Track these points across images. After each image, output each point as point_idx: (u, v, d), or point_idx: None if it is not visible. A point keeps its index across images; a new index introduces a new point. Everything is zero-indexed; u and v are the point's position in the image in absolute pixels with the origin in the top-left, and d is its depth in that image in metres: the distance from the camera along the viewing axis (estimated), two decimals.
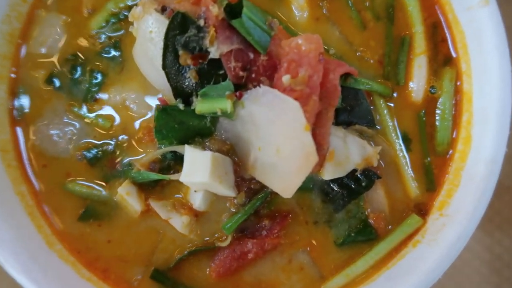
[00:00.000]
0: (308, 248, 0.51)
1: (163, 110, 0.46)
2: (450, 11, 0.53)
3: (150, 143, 0.52)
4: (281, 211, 0.51)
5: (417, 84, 0.54)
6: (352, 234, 0.51)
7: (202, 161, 0.45)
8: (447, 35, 0.54)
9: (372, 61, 0.54)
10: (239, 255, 0.50)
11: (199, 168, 0.45)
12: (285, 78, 0.43)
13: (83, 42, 0.54)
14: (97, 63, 0.54)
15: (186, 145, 0.47)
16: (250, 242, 0.50)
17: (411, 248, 0.50)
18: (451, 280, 0.70)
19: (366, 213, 0.52)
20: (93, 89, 0.53)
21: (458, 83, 0.54)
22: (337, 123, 0.49)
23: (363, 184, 0.51)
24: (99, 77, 0.53)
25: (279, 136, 0.43)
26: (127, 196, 0.50)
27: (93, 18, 0.54)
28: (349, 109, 0.51)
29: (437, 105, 0.54)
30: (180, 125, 0.46)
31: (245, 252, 0.50)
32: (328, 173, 0.48)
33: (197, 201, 0.48)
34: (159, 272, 0.50)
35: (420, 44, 0.54)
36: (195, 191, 0.48)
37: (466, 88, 0.51)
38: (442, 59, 0.54)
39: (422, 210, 0.53)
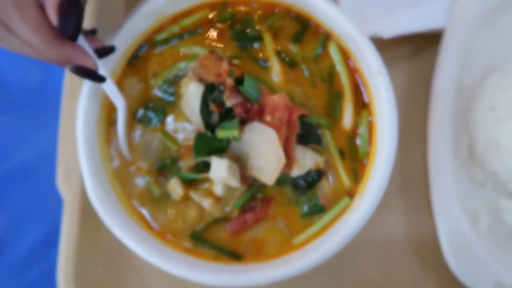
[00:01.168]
0: (285, 220, 0.69)
1: (199, 136, 0.65)
2: (363, 77, 0.71)
3: (189, 156, 0.69)
4: (268, 196, 0.69)
5: (347, 120, 0.71)
6: (310, 209, 0.69)
7: (222, 164, 0.63)
8: (363, 91, 0.71)
9: (320, 107, 0.71)
10: (242, 222, 0.67)
11: (220, 168, 0.63)
12: (268, 117, 0.64)
13: (150, 93, 0.73)
14: (160, 105, 0.72)
15: (212, 156, 0.64)
16: (248, 214, 0.67)
17: (344, 215, 0.67)
18: (384, 252, 0.80)
19: (318, 196, 0.68)
20: (158, 120, 0.71)
21: (370, 118, 0.70)
22: (299, 142, 0.68)
23: (315, 179, 0.68)
24: (161, 112, 0.71)
25: (265, 150, 0.63)
26: (175, 186, 0.68)
27: (156, 80, 0.73)
28: (306, 134, 0.68)
29: (359, 132, 0.70)
30: (208, 145, 0.65)
31: (245, 220, 0.67)
32: (294, 172, 0.67)
33: (218, 189, 0.67)
34: (195, 233, 0.69)
35: (348, 96, 0.70)
36: (217, 183, 0.67)
37: (373, 121, 0.69)
38: (361, 104, 0.71)
39: (351, 194, 0.69)
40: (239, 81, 0.65)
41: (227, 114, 0.65)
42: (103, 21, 0.80)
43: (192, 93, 0.67)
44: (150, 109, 0.72)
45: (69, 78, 0.83)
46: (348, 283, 0.78)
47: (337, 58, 0.73)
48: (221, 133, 0.64)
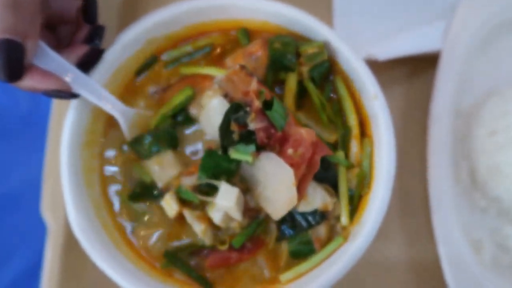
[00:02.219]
0: (267, 257, 0.66)
1: (209, 152, 0.61)
2: (360, 101, 0.69)
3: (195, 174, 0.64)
4: (259, 238, 0.66)
5: (353, 156, 0.69)
6: (301, 250, 0.65)
7: (232, 192, 0.60)
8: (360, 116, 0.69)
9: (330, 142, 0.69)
10: (225, 258, 0.65)
11: (229, 196, 0.60)
12: (290, 151, 0.61)
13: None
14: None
15: (222, 181, 0.61)
16: (234, 253, 0.65)
17: (340, 246, 0.64)
18: (385, 282, 0.78)
19: (311, 237, 0.65)
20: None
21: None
22: (313, 178, 0.64)
23: (318, 221, 0.65)
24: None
25: (277, 184, 0.60)
26: (171, 201, 0.64)
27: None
28: (323, 172, 0.65)
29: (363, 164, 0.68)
30: (216, 164, 0.62)
31: (229, 257, 0.65)
32: (301, 208, 0.64)
33: (217, 216, 0.62)
34: (169, 252, 0.65)
35: (354, 132, 0.69)
36: (217, 210, 0.62)
37: (371, 147, 0.67)
38: (363, 133, 0.70)
39: (345, 234, 0.66)
40: (267, 105, 0.63)
41: (247, 136, 0.62)
42: None
43: (213, 108, 0.64)
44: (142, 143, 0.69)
45: (57, 104, 0.81)
46: None
47: (343, 94, 0.71)
48: (234, 154, 0.62)
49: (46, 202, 0.76)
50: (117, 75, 0.71)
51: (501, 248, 0.80)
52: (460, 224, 0.76)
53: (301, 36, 0.73)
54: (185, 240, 0.67)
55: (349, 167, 0.69)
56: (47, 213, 0.75)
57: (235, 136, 0.62)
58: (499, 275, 0.77)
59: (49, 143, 0.78)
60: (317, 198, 0.65)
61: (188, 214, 0.64)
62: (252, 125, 0.61)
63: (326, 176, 0.67)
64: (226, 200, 0.61)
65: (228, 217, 0.64)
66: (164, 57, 0.73)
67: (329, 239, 0.67)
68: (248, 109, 0.62)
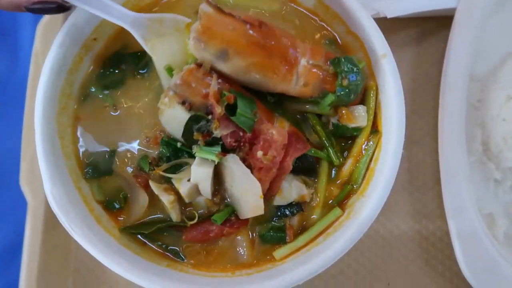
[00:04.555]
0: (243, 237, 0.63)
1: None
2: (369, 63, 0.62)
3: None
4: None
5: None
6: (273, 236, 0.63)
7: (208, 164, 0.57)
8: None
9: None
10: (204, 231, 0.62)
11: (206, 165, 0.57)
12: (259, 153, 0.57)
13: None
14: None
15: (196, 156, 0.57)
16: (214, 226, 0.61)
17: (346, 220, 0.61)
18: (391, 258, 0.75)
19: (285, 224, 0.62)
20: None
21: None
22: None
23: (294, 213, 0.62)
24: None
25: (244, 189, 0.57)
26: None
27: None
28: (299, 165, 0.62)
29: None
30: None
31: (208, 231, 0.62)
32: (276, 202, 0.62)
33: (185, 189, 0.59)
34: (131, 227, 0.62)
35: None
36: (187, 181, 0.58)
37: (378, 114, 0.62)
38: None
39: (341, 206, 0.63)
40: (231, 109, 0.56)
41: (214, 142, 0.58)
42: None
43: (172, 119, 0.57)
44: None
45: (33, 72, 0.73)
46: None
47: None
48: (198, 153, 0.58)
49: (24, 175, 0.72)
50: None
51: None
52: (472, 198, 0.70)
53: None
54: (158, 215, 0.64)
55: (328, 159, 0.64)
56: (25, 187, 0.71)
57: (201, 144, 0.58)
58: None
59: (27, 111, 0.74)
60: (293, 192, 0.62)
61: (154, 186, 0.60)
62: (217, 133, 0.56)
63: (304, 169, 0.64)
64: (203, 167, 0.57)
65: (194, 191, 0.60)
66: None
67: (301, 226, 0.64)
68: (210, 117, 0.56)
